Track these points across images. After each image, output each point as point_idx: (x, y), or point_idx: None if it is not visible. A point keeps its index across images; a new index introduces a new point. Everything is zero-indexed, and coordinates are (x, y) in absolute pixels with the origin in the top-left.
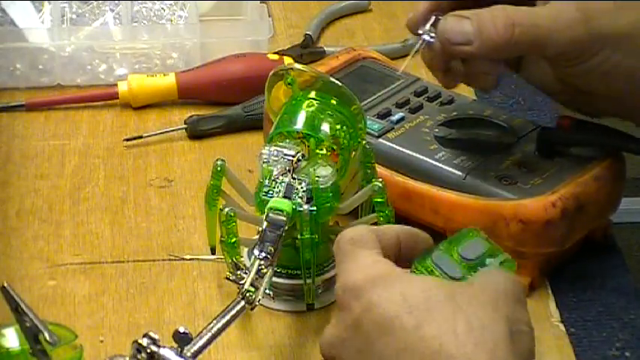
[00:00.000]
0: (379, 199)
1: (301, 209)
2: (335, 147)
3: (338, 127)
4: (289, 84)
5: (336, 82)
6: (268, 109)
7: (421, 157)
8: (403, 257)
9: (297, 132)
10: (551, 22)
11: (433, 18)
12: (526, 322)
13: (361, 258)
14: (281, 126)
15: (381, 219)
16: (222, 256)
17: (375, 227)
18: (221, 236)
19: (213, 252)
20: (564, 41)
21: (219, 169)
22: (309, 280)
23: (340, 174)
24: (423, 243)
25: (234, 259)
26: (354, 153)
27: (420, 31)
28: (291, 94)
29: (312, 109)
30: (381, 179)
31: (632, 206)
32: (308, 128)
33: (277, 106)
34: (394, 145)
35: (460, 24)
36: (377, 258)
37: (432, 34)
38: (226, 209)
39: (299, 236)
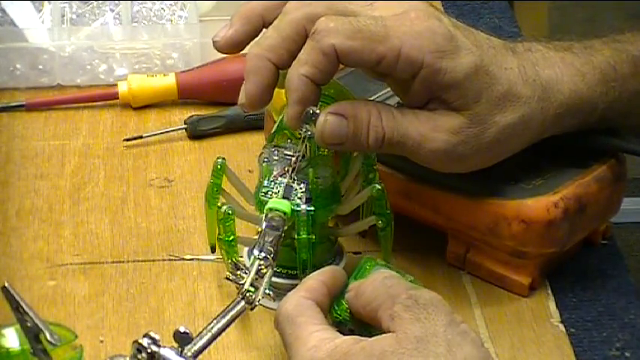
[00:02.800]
0: (378, 202)
1: (299, 209)
2: None
3: None
4: None
5: (337, 82)
6: (270, 107)
7: None
8: (333, 298)
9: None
10: (417, 146)
11: (310, 112)
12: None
13: (307, 339)
14: (283, 125)
15: (380, 222)
16: (222, 256)
17: (305, 286)
18: (219, 234)
19: (213, 250)
20: (429, 161)
21: (219, 167)
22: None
23: (341, 175)
24: (342, 279)
25: (233, 259)
26: (355, 153)
27: (303, 130)
28: None
29: None
30: (381, 182)
31: (632, 206)
32: None
33: (279, 105)
34: None
35: (339, 126)
36: (324, 335)
37: (312, 132)
38: (224, 207)
39: (296, 236)
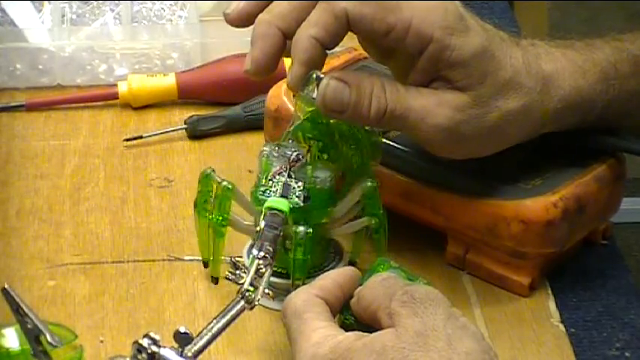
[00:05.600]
0: (370, 201)
1: (297, 206)
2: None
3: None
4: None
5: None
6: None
7: (422, 156)
8: (348, 299)
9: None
10: (420, 121)
11: (314, 76)
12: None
13: (311, 335)
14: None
15: (373, 223)
16: (224, 257)
17: (319, 284)
18: (211, 215)
19: (205, 266)
20: (430, 137)
21: (205, 175)
22: (297, 282)
23: (340, 196)
24: (357, 280)
25: (233, 259)
26: (356, 184)
27: (304, 92)
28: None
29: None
30: (374, 180)
31: (632, 206)
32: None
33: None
34: (395, 145)
35: (341, 93)
36: (327, 332)
37: (314, 96)
38: (224, 182)
39: (291, 231)
